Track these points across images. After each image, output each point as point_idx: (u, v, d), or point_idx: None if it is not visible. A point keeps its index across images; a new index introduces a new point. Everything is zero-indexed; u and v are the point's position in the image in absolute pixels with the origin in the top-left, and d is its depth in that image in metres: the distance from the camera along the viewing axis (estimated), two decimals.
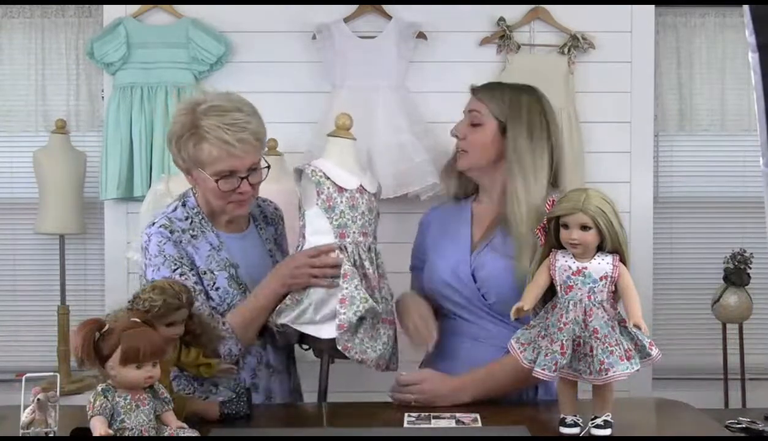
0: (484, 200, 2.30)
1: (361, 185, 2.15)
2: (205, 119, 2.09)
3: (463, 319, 2.23)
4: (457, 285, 2.22)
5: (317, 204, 2.10)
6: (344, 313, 2.05)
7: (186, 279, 2.08)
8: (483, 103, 2.24)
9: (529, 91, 2.28)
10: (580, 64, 3.36)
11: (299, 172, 2.16)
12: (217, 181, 2.11)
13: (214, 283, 2.15)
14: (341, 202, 2.11)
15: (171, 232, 2.14)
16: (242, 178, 2.12)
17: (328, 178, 2.11)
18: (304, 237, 2.14)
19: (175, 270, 2.10)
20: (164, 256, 2.12)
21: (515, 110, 2.21)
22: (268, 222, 2.38)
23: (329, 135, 2.21)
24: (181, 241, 2.15)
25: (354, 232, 2.11)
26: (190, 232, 2.18)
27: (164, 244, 2.13)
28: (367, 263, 2.12)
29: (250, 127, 2.12)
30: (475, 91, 2.29)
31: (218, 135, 2.08)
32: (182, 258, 2.13)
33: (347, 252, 2.09)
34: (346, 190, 2.12)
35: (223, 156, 2.09)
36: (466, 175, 2.31)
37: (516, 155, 2.18)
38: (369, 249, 2.14)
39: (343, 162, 2.17)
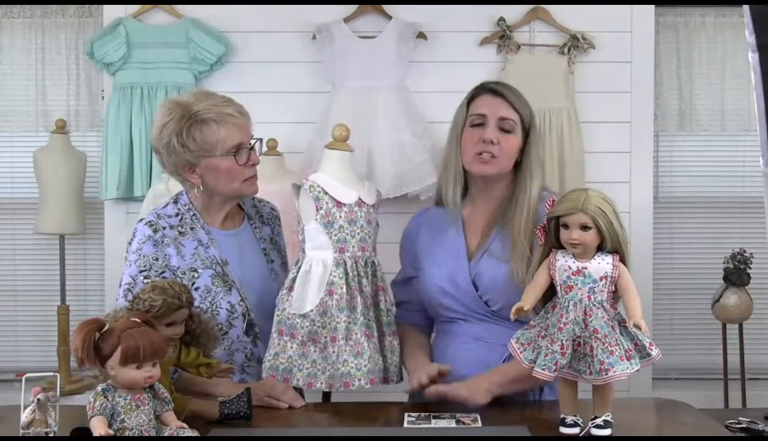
0: (476, 205, 2.26)
1: (359, 198, 2.15)
2: (197, 105, 2.15)
3: (464, 321, 2.22)
4: (456, 293, 2.20)
5: (316, 219, 2.10)
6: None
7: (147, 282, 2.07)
8: (516, 111, 2.20)
9: None
10: (580, 64, 3.37)
11: (297, 188, 2.15)
12: (233, 154, 2.14)
13: (194, 283, 2.15)
14: (340, 216, 2.11)
15: (155, 230, 2.16)
16: (249, 150, 2.18)
17: (326, 193, 2.11)
18: (304, 252, 2.12)
19: (142, 271, 2.12)
20: (139, 254, 2.14)
21: (533, 119, 2.23)
22: (264, 222, 2.38)
23: (326, 147, 2.20)
24: (163, 241, 2.16)
25: (353, 247, 2.11)
26: (178, 228, 2.19)
27: (144, 242, 2.15)
28: (364, 280, 2.12)
29: (235, 102, 2.20)
30: (505, 96, 2.21)
31: (219, 111, 2.14)
32: (157, 260, 2.14)
33: (346, 267, 2.09)
34: (344, 204, 2.12)
35: (231, 130, 2.15)
36: (464, 181, 2.26)
37: (530, 162, 2.20)
38: (366, 263, 2.14)
39: (341, 175, 2.16)
